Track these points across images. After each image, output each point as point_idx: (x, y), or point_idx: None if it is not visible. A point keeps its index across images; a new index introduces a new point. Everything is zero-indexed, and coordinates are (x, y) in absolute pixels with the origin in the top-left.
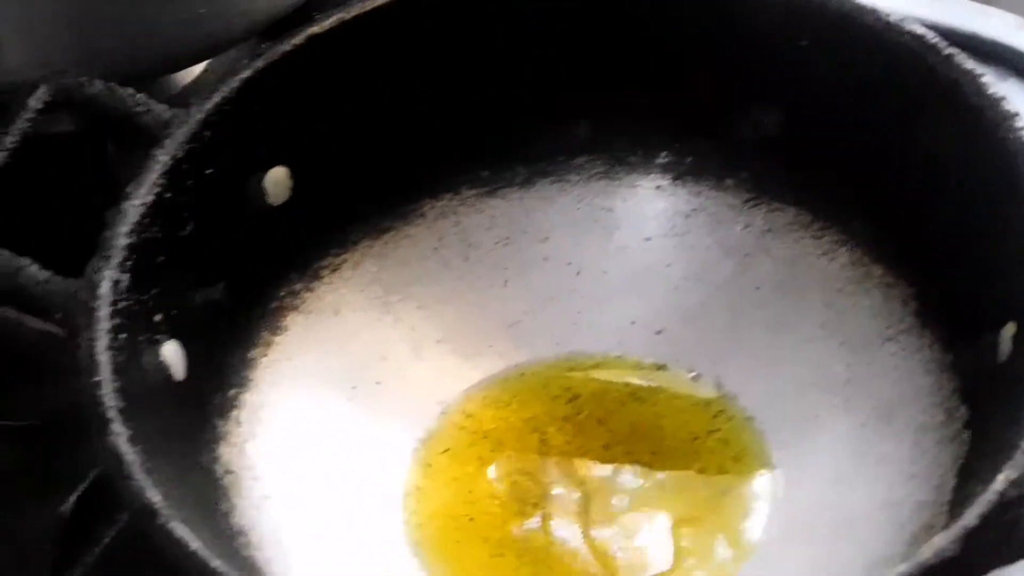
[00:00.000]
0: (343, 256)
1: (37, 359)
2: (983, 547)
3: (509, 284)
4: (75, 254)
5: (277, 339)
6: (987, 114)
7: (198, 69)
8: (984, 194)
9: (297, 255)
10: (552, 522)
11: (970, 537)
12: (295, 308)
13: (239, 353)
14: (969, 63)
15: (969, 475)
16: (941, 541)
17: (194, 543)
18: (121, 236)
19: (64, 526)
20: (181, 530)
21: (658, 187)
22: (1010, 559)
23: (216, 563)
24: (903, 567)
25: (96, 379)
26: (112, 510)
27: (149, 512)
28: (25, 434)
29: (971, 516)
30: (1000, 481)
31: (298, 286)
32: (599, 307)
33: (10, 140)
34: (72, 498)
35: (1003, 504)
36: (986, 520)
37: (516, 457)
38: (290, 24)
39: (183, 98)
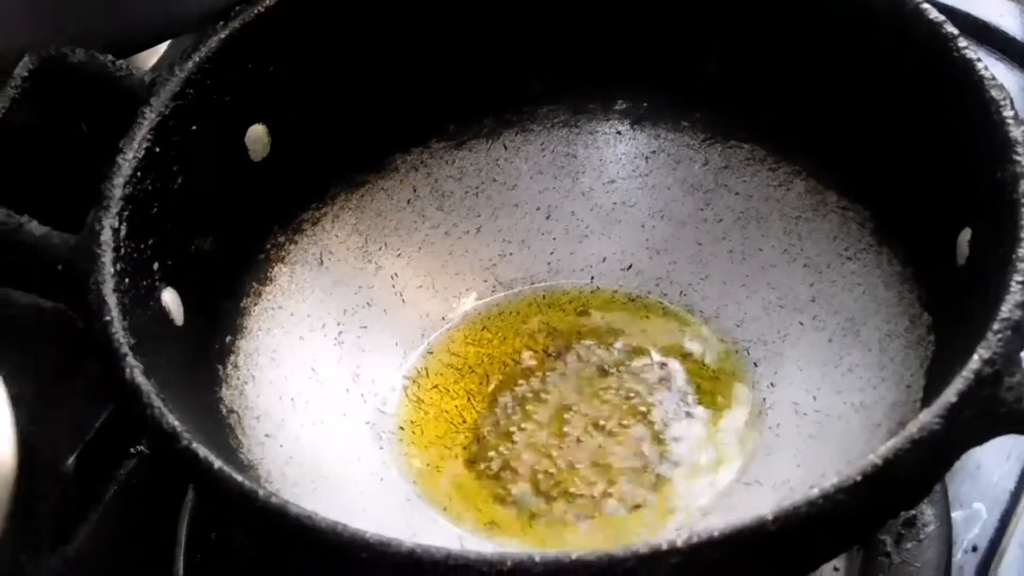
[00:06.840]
0: (323, 210)
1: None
2: (962, 424)
3: (483, 230)
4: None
5: (266, 289)
6: (929, 37)
7: (156, 56)
8: (927, 114)
9: (279, 209)
10: (545, 442)
11: (951, 412)
12: (281, 259)
13: (232, 301)
14: None
15: (937, 373)
16: (926, 416)
17: (217, 462)
18: (117, 187)
19: (67, 484)
20: (203, 451)
21: (618, 132)
22: (984, 438)
23: (240, 478)
24: (893, 441)
25: (107, 318)
26: (112, 468)
27: (169, 436)
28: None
29: (951, 392)
30: (976, 360)
31: (282, 238)
32: (570, 247)
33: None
34: (72, 458)
35: (979, 380)
36: (965, 397)
37: (503, 388)
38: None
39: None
